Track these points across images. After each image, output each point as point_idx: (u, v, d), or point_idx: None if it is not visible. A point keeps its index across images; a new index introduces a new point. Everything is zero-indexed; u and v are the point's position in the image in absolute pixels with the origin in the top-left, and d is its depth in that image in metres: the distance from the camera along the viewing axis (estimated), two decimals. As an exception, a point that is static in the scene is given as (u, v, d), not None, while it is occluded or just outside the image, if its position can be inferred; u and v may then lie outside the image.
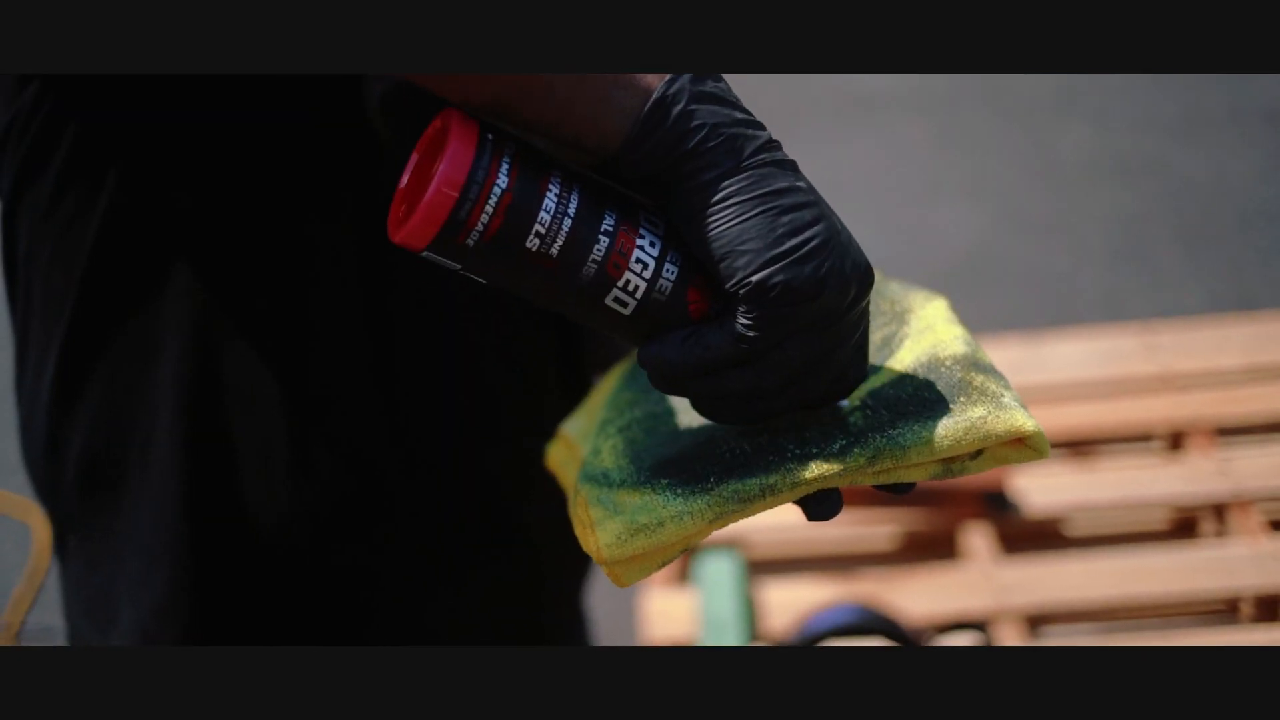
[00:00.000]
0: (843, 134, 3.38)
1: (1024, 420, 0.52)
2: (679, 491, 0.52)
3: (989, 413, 0.52)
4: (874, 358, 0.58)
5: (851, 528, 1.29)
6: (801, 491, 0.52)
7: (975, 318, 2.49)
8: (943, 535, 1.30)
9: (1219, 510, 1.28)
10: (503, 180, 0.48)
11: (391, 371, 0.71)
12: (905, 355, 0.57)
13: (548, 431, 0.68)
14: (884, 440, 0.52)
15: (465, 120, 0.49)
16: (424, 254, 0.49)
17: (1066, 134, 3.28)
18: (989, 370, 0.55)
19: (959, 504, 1.26)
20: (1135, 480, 1.32)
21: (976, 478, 1.26)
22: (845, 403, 0.55)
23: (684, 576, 1.26)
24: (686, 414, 0.58)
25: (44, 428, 0.72)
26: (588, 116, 0.48)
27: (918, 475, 0.53)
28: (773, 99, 3.64)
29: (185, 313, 0.67)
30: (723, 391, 0.51)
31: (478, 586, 0.78)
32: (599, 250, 0.50)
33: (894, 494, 0.54)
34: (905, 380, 0.55)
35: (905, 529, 1.30)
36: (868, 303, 0.52)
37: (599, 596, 1.70)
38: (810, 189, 0.50)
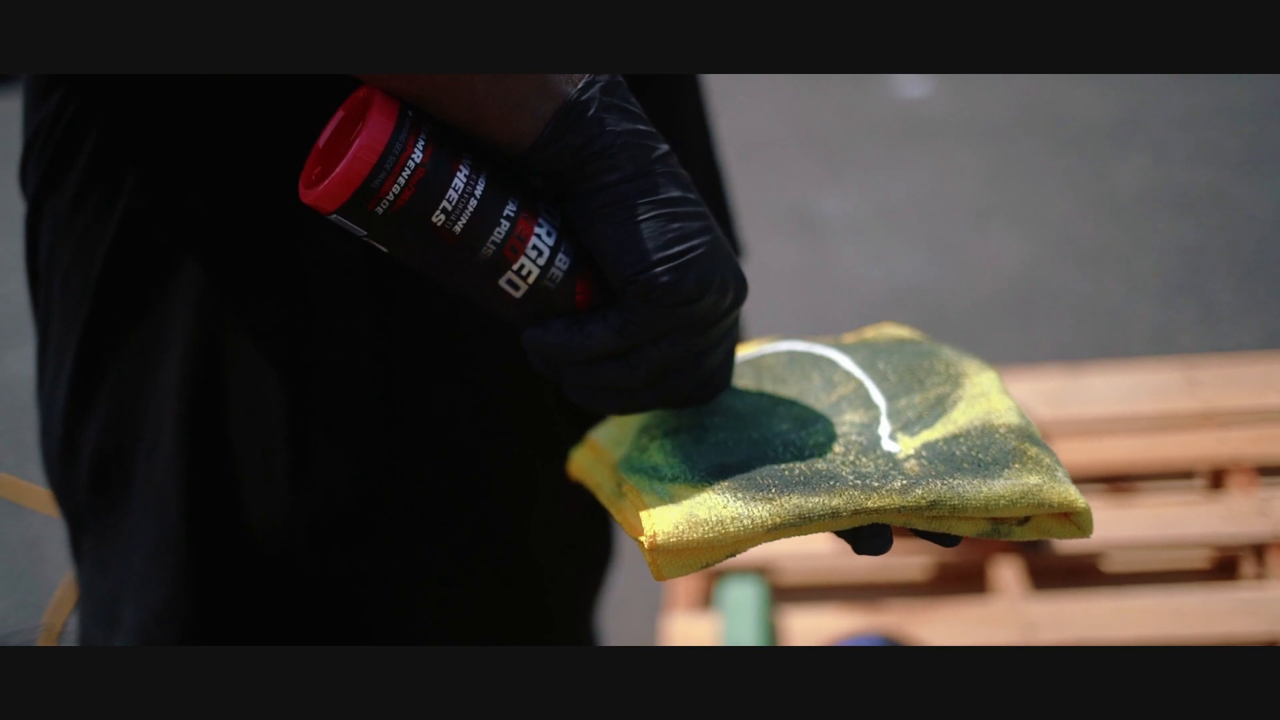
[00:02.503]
0: (896, 158, 3.36)
1: (1075, 496, 0.54)
2: (739, 495, 0.53)
3: (1044, 482, 0.53)
4: (927, 415, 0.59)
5: (880, 557, 1.27)
6: (860, 521, 0.53)
7: (1021, 347, 2.48)
8: (972, 568, 1.28)
9: (1259, 551, 1.25)
10: (417, 155, 0.50)
11: (393, 381, 0.71)
12: (959, 416, 0.58)
13: (552, 447, 0.68)
14: (944, 488, 0.53)
15: (388, 96, 0.51)
16: (332, 217, 0.51)
17: (1124, 164, 3.24)
18: (1041, 444, 0.56)
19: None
20: (1173, 518, 1.29)
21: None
22: (898, 448, 0.57)
23: (707, 601, 1.25)
24: (736, 429, 0.59)
25: (60, 428, 0.73)
26: (502, 116, 0.51)
27: (967, 529, 0.54)
28: (827, 120, 3.63)
29: (193, 316, 0.68)
30: (596, 380, 0.55)
31: (479, 599, 0.78)
32: (499, 233, 0.52)
33: (939, 543, 0.55)
34: (959, 439, 0.56)
35: (934, 560, 1.29)
36: (738, 317, 0.56)
37: (619, 619, 1.70)
38: (699, 202, 0.53)
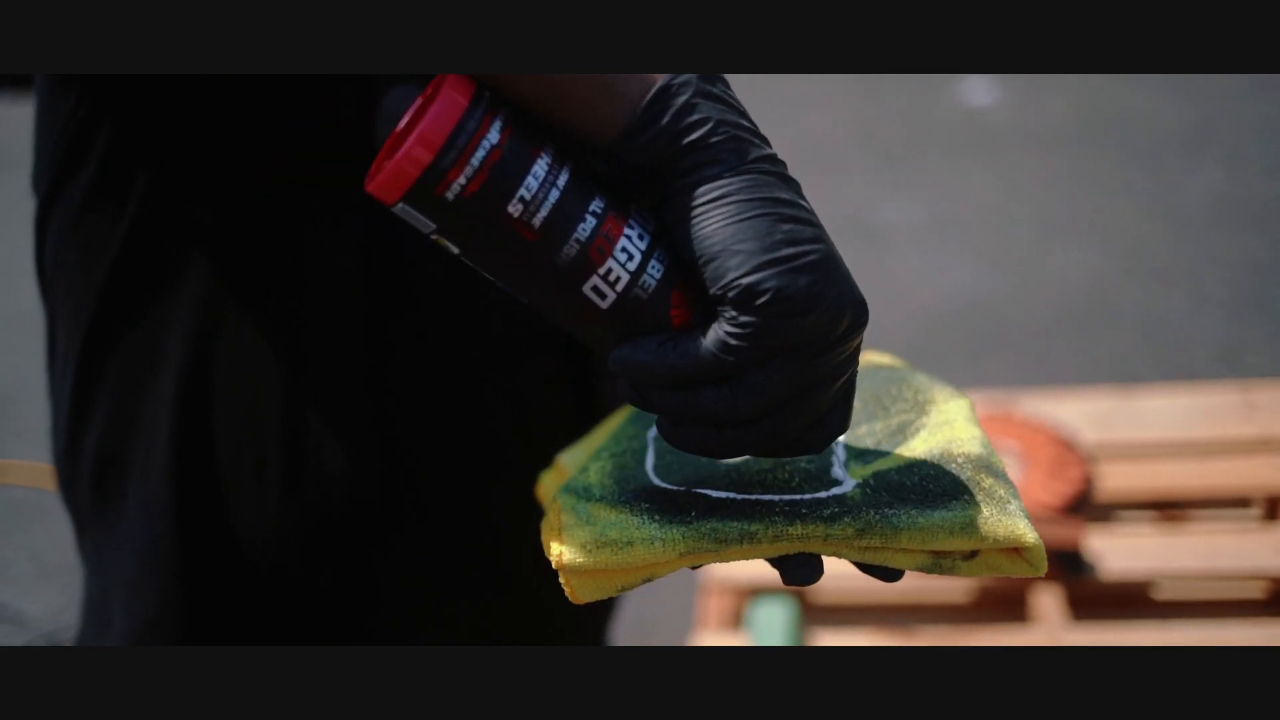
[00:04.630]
0: (959, 167, 3.31)
1: (1025, 530, 0.51)
2: (656, 517, 0.51)
3: (991, 515, 0.51)
4: (886, 443, 0.57)
5: (918, 579, 1.24)
6: (782, 548, 0.51)
7: (1081, 364, 2.43)
8: (1013, 593, 1.24)
9: (1314, 586, 1.20)
10: (494, 135, 0.46)
11: (388, 395, 0.71)
12: (918, 444, 0.56)
13: (552, 462, 0.67)
14: (876, 516, 0.51)
15: (464, 76, 0.47)
16: (397, 207, 0.47)
17: (1196, 175, 3.16)
18: (1000, 476, 0.54)
19: (1029, 563, 1.21)
20: (1225, 548, 1.25)
21: (1050, 535, 1.20)
22: (845, 476, 0.54)
23: (737, 621, 1.23)
24: (683, 454, 0.57)
25: (65, 428, 0.74)
26: (587, 99, 0.46)
27: (905, 562, 0.51)
28: (890, 127, 3.58)
29: (192, 326, 0.68)
30: (695, 410, 0.48)
31: (477, 614, 0.77)
32: (584, 229, 0.47)
33: (879, 578, 0.52)
34: (913, 468, 0.54)
35: (974, 584, 1.25)
36: (858, 347, 0.50)
37: (648, 638, 1.68)
38: (813, 211, 0.47)
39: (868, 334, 0.51)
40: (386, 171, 0.46)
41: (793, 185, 0.47)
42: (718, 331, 0.46)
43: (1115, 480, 1.34)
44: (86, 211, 0.69)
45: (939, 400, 0.59)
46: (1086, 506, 1.28)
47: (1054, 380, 2.31)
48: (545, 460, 0.68)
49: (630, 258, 0.48)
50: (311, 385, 0.69)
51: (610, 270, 0.48)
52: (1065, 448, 1.32)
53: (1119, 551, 1.24)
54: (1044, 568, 0.52)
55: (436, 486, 0.73)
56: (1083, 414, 1.44)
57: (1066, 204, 3.10)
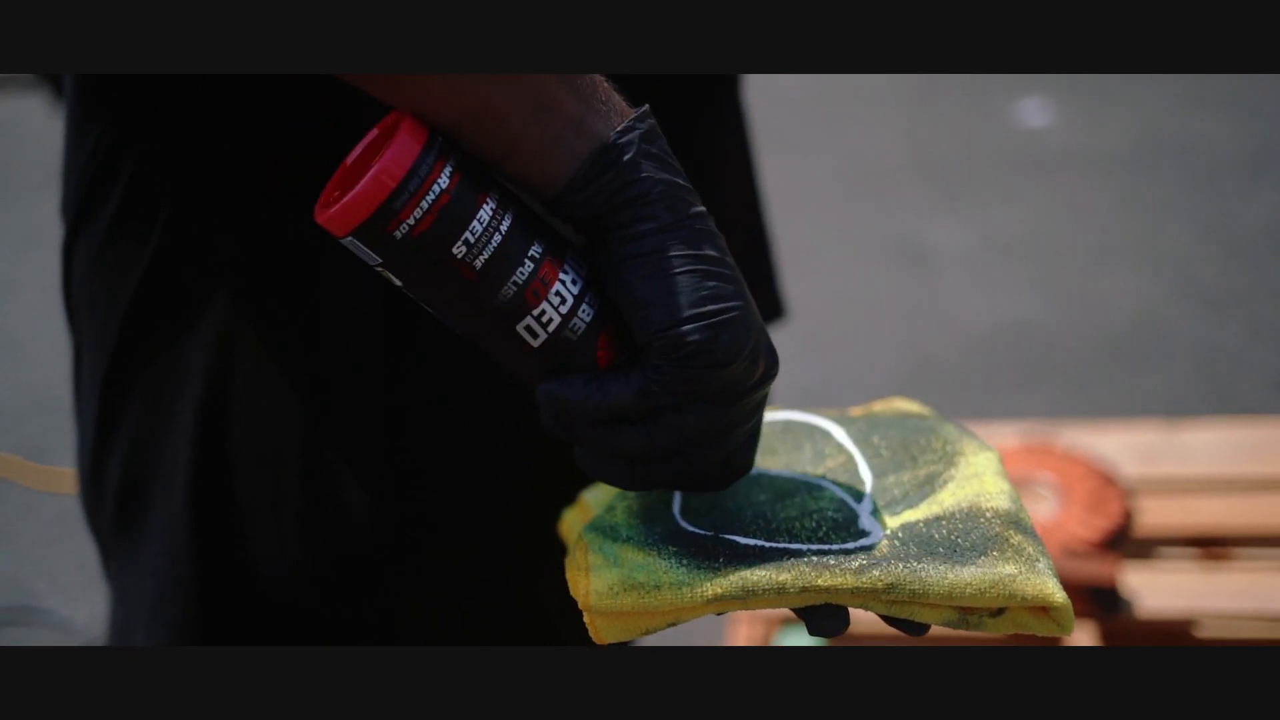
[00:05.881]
0: (1013, 190, 3.27)
1: (1053, 590, 0.51)
2: (684, 562, 0.52)
3: (1019, 573, 0.51)
4: (914, 494, 0.57)
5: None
6: (809, 600, 0.51)
7: (1131, 393, 2.39)
8: (1048, 629, 1.23)
9: (1360, 629, 1.17)
10: (444, 180, 0.49)
11: (407, 432, 0.71)
12: (946, 497, 0.56)
13: (572, 498, 0.67)
14: (905, 570, 0.51)
15: (419, 121, 0.49)
16: (346, 240, 0.50)
17: (1255, 201, 3.11)
18: (1029, 532, 0.54)
19: (1063, 598, 1.19)
20: (1270, 587, 1.22)
21: (1086, 571, 1.18)
22: (874, 527, 0.54)
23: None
24: (710, 497, 0.58)
25: (89, 454, 0.75)
26: (536, 154, 0.49)
27: (931, 616, 0.52)
28: (944, 148, 3.56)
29: (211, 357, 0.69)
30: (613, 446, 0.51)
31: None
32: (521, 273, 0.50)
33: (905, 631, 0.52)
34: (940, 521, 0.54)
35: (1007, 619, 1.24)
36: (766, 395, 0.53)
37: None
38: (735, 269, 0.51)
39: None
40: (340, 207, 0.48)
41: (719, 244, 0.50)
42: (640, 377, 0.50)
43: (1156, 516, 1.32)
44: (111, 241, 0.70)
45: (967, 452, 0.59)
46: (1125, 542, 1.26)
47: (1102, 409, 2.28)
48: (562, 494, 0.68)
49: (563, 301, 0.51)
50: (329, 419, 0.70)
51: (544, 312, 0.51)
52: (1105, 481, 1.30)
53: (1157, 589, 1.22)
54: (1071, 628, 0.52)
55: (453, 521, 0.74)
56: (1125, 447, 1.42)
57: (1121, 229, 3.05)
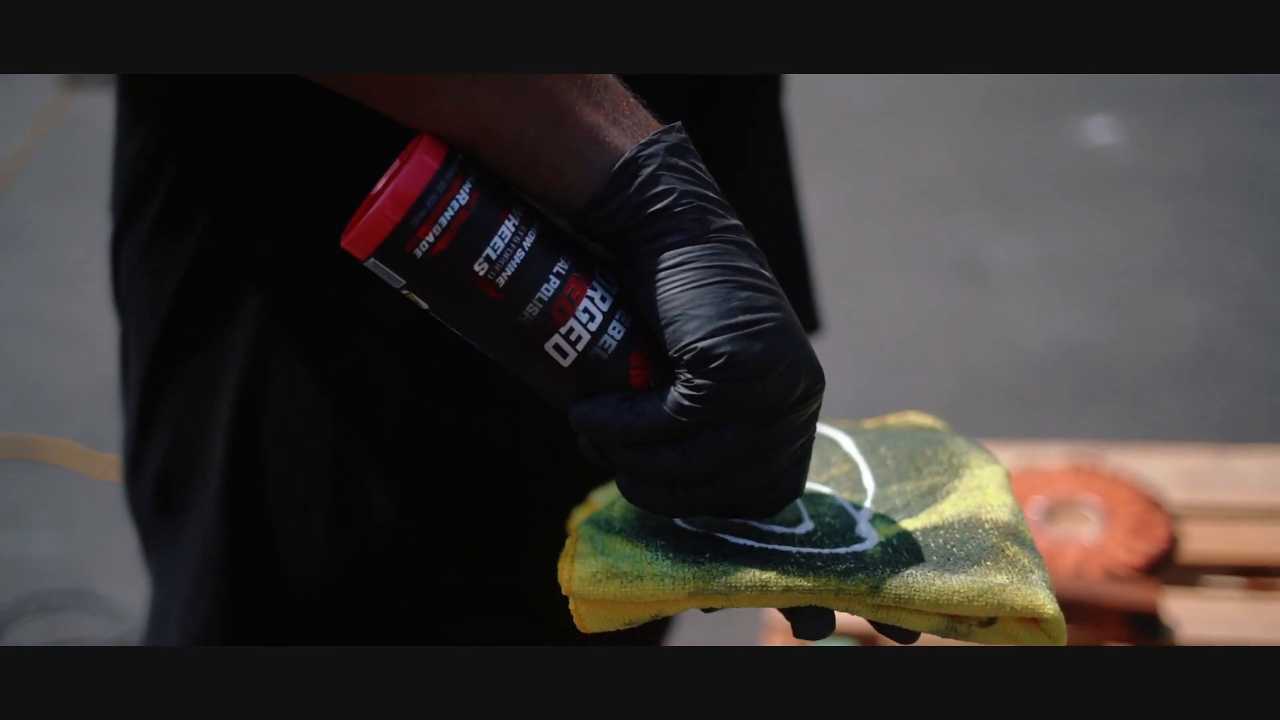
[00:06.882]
0: (1075, 208, 3.24)
1: (1044, 601, 0.51)
2: (670, 555, 0.52)
3: (1010, 583, 0.51)
4: (915, 503, 0.57)
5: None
6: (794, 600, 0.51)
7: (1188, 418, 2.36)
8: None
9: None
10: (463, 197, 0.48)
11: (434, 437, 0.72)
12: (947, 508, 0.56)
13: None
14: (892, 576, 0.51)
15: (438, 139, 0.49)
16: (369, 262, 0.49)
17: (1324, 227, 3.05)
18: (1027, 545, 0.54)
19: (1101, 622, 1.18)
20: (1315, 619, 1.20)
21: (1127, 595, 1.17)
22: (870, 533, 0.54)
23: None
24: None
25: (131, 447, 0.77)
26: (556, 168, 0.48)
27: (919, 624, 0.51)
28: (1006, 165, 3.53)
29: (246, 359, 0.71)
30: (649, 468, 0.50)
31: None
32: (547, 290, 0.49)
33: (894, 639, 0.52)
34: (937, 531, 0.54)
35: (1046, 640, 1.23)
36: (816, 412, 0.51)
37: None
38: (773, 280, 0.49)
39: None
40: (359, 228, 0.48)
41: (756, 255, 0.49)
42: (673, 393, 0.48)
43: (1200, 543, 1.30)
44: (154, 241, 0.72)
45: (974, 465, 0.59)
46: (1169, 568, 1.24)
47: (1156, 433, 2.24)
48: (583, 500, 0.69)
49: (592, 318, 0.50)
50: (359, 422, 0.71)
51: (572, 330, 0.50)
52: (1150, 506, 1.29)
53: (1200, 616, 1.20)
54: (1062, 640, 0.51)
55: (476, 524, 0.75)
56: (1174, 471, 1.40)
57: (1184, 250, 3.01)
